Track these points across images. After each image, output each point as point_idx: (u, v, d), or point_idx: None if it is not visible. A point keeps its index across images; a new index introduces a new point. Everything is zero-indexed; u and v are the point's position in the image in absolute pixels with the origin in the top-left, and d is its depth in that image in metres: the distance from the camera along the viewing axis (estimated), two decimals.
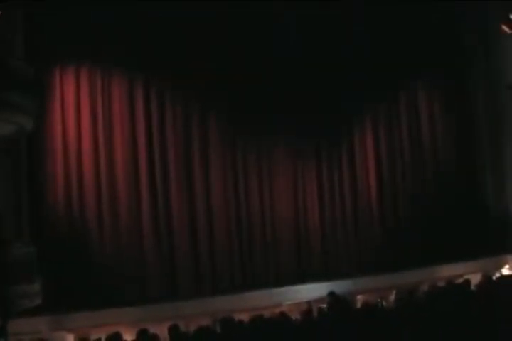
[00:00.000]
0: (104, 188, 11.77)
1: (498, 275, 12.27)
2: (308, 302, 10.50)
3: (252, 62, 13.32)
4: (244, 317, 8.12)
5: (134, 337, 7.35)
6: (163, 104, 12.68)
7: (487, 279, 9.94)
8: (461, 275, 12.06)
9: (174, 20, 12.45)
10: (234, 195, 13.37)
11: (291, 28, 13.60)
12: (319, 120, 14.31)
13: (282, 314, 8.29)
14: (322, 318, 7.65)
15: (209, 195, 12.97)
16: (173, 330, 7.28)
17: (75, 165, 11.51)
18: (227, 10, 12.68)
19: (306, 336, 6.59)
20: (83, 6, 11.40)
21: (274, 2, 12.95)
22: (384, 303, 10.03)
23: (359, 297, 11.55)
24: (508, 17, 15.35)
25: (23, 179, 10.70)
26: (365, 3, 13.98)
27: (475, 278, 10.29)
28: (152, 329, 7.47)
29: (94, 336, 9.75)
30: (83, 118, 11.67)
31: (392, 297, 10.41)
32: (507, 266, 14.09)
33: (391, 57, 14.90)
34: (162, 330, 7.46)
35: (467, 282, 9.44)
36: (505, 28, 15.46)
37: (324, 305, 8.95)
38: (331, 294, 9.41)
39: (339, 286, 10.49)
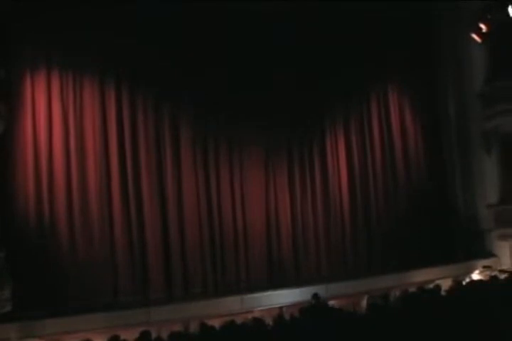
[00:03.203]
0: (75, 193, 11.66)
1: (467, 280, 12.39)
2: (280, 308, 10.51)
3: (223, 64, 13.35)
4: (216, 323, 8.12)
5: None
6: (135, 107, 12.63)
7: (457, 284, 10.05)
8: (431, 281, 12.19)
9: (146, 23, 12.44)
10: (206, 202, 13.33)
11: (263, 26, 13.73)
12: (291, 122, 14.46)
13: (255, 319, 8.29)
14: (294, 323, 7.66)
15: (181, 201, 12.93)
16: (145, 336, 7.25)
17: (45, 168, 11.38)
18: (197, 13, 12.81)
19: None
20: (54, 10, 11.37)
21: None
22: (356, 309, 10.08)
23: (331, 302, 11.59)
24: (478, 26, 15.54)
25: None
26: (339, 4, 14.07)
27: (445, 284, 10.40)
28: (123, 336, 7.44)
29: None
30: (54, 122, 11.56)
31: (363, 302, 10.46)
32: (476, 271, 14.24)
33: (363, 60, 15.08)
34: (133, 336, 7.42)
35: (438, 287, 9.54)
36: (475, 37, 15.66)
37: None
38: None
39: (311, 292, 10.48)
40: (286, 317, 8.61)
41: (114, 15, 12.11)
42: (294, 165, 14.60)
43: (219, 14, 13.03)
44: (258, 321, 8.01)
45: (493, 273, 11.99)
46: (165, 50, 12.80)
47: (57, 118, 11.63)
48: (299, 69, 14.19)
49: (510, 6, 14.14)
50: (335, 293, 12.39)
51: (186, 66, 13.00)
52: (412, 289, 10.37)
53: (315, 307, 8.42)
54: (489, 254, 15.64)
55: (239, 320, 8.31)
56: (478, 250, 15.71)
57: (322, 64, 14.52)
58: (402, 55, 16.04)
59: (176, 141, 13.09)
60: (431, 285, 10.38)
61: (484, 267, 14.46)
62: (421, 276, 13.70)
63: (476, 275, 13.88)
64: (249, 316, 9.53)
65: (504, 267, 14.33)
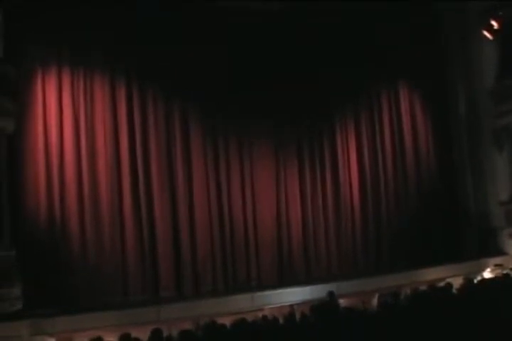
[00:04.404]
0: (86, 190, 11.72)
1: (479, 278, 12.30)
2: (291, 306, 10.48)
3: (233, 60, 13.35)
4: (227, 321, 8.10)
5: None
6: (145, 103, 12.68)
7: (468, 282, 9.98)
8: (442, 279, 12.12)
9: (155, 21, 12.50)
10: (216, 200, 13.36)
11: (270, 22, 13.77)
12: (300, 117, 14.49)
13: (265, 317, 8.28)
14: (305, 321, 7.63)
15: (191, 199, 12.97)
16: (156, 335, 7.24)
17: (56, 166, 11.43)
18: (203, 9, 12.91)
19: (289, 339, 6.59)
20: (64, 7, 11.40)
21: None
22: (366, 307, 10.03)
23: (341, 301, 11.55)
24: (489, 22, 15.46)
25: (4, 181, 10.62)
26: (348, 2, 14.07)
27: (456, 282, 10.33)
28: (134, 334, 7.44)
29: (76, 340, 9.69)
30: (65, 119, 11.62)
31: (374, 301, 10.42)
32: (488, 270, 14.16)
33: (372, 57, 15.06)
34: (143, 334, 7.41)
35: (449, 285, 9.48)
36: (486, 34, 15.58)
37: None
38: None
39: (321, 290, 10.47)
40: (297, 315, 8.59)
41: (125, 12, 12.14)
42: (304, 162, 14.59)
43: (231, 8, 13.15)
44: (269, 319, 8.02)
45: (505, 271, 11.92)
46: (173, 47, 12.84)
47: (67, 115, 11.69)
48: (309, 65, 14.14)
49: None
50: (345, 292, 12.32)
51: (194, 62, 13.00)
52: (423, 287, 10.33)
53: (326, 306, 8.38)
54: (501, 252, 15.56)
55: (249, 317, 8.29)
56: (490, 248, 15.63)
57: (333, 60, 14.49)
58: (412, 53, 15.95)
59: (186, 136, 13.15)
60: (442, 284, 10.31)
61: (496, 265, 14.38)
62: (431, 274, 13.63)
63: (487, 274, 13.80)
64: (260, 314, 9.50)
65: None
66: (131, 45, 12.38)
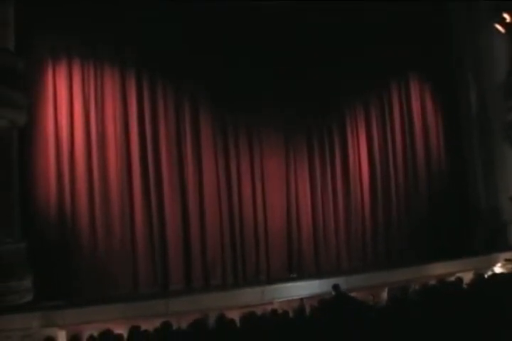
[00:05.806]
0: (96, 183, 11.71)
1: (489, 273, 12.27)
2: (301, 300, 10.48)
3: (243, 52, 13.35)
4: (236, 314, 8.11)
5: (125, 334, 7.31)
6: (155, 95, 12.67)
7: (479, 277, 9.95)
8: (453, 274, 12.08)
9: (164, 13, 12.49)
10: (226, 193, 13.34)
11: (282, 15, 13.65)
12: (311, 111, 14.44)
13: (275, 311, 8.29)
14: (314, 315, 7.63)
15: (201, 190, 12.95)
16: (165, 327, 7.25)
17: (67, 159, 11.43)
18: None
19: (298, 333, 6.58)
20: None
21: None
22: (375, 301, 10.03)
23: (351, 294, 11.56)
24: (502, 16, 15.35)
25: (15, 174, 10.63)
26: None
27: (467, 276, 10.30)
28: (143, 326, 7.46)
29: (85, 332, 9.72)
30: (75, 110, 11.61)
31: (384, 294, 10.41)
32: (498, 264, 14.12)
33: (384, 50, 14.94)
34: (153, 327, 7.43)
35: (459, 280, 9.45)
36: (499, 27, 15.47)
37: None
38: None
39: (330, 284, 10.44)
40: (307, 308, 8.60)
41: (135, 4, 12.11)
42: (314, 153, 14.55)
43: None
44: (279, 312, 8.02)
45: None
46: (183, 39, 12.81)
47: (78, 106, 11.68)
48: (320, 57, 14.09)
49: None
50: (354, 285, 12.33)
51: (205, 53, 12.95)
52: (432, 282, 10.31)
53: (336, 299, 8.39)
54: (511, 247, 15.48)
55: (259, 311, 8.31)
56: (500, 243, 15.56)
57: (342, 52, 14.42)
58: (422, 45, 15.87)
59: (196, 126, 13.12)
60: (452, 278, 10.29)
61: (506, 260, 14.34)
62: (441, 269, 13.58)
63: (498, 269, 13.76)
64: (269, 308, 9.51)
65: None
66: (140, 36, 12.36)
